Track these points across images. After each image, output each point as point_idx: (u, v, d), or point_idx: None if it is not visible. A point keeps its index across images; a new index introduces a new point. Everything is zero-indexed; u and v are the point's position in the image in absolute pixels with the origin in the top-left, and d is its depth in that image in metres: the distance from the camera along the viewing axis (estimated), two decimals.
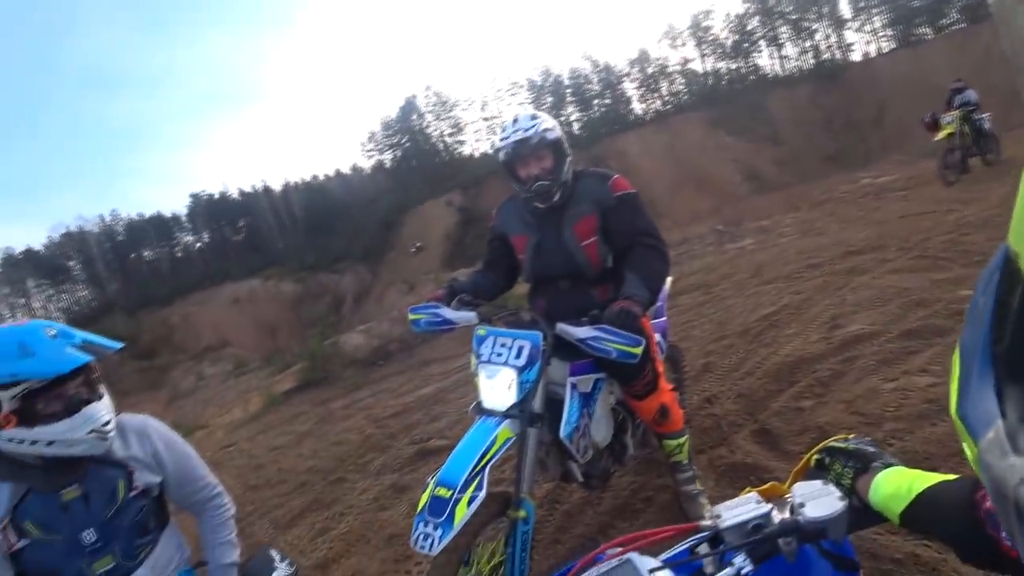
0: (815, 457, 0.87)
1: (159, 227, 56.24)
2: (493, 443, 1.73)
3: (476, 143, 53.55)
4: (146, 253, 55.64)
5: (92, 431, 1.36)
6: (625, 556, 0.75)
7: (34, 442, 1.31)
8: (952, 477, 0.68)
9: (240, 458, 5.83)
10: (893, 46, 41.04)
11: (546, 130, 2.05)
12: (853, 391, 2.91)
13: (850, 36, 45.20)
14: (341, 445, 4.96)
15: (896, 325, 3.55)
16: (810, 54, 44.26)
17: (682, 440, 2.30)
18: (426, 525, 1.56)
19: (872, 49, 43.26)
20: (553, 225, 2.13)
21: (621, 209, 2.09)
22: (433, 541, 1.53)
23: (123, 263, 52.97)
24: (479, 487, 1.62)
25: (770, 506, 0.77)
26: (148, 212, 57.64)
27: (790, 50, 45.45)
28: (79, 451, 1.36)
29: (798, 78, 39.60)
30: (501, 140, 2.08)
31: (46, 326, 1.38)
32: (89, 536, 1.37)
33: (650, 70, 48.95)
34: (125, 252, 53.99)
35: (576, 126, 47.78)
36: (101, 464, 1.43)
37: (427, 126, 53.81)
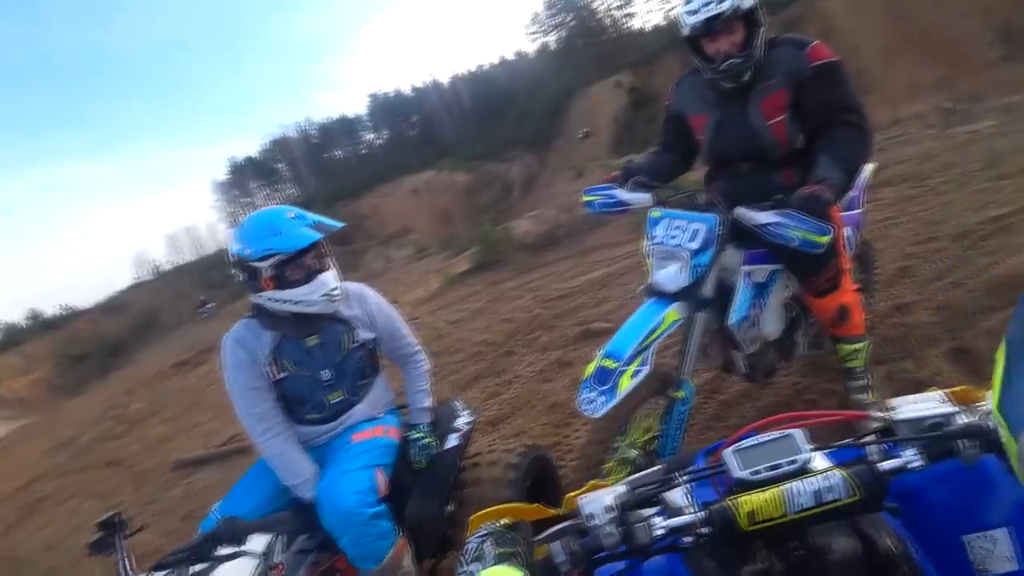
0: None
1: (345, 128, 62.10)
2: (661, 323, 1.78)
3: (647, 15, 48.68)
4: (337, 152, 62.38)
5: (324, 295, 1.72)
6: (787, 431, 0.74)
7: (285, 301, 1.70)
8: None
9: (423, 330, 6.68)
10: None
11: None
12: None
13: None
14: (511, 322, 5.43)
15: None
16: None
17: (860, 346, 2.15)
18: (591, 391, 1.70)
19: None
20: (738, 102, 1.95)
21: (818, 81, 1.83)
22: (597, 406, 1.67)
23: (319, 163, 60.27)
24: (644, 363, 1.71)
25: (957, 408, 0.70)
26: (335, 116, 63.85)
27: None
28: (315, 310, 1.73)
29: None
30: (687, 13, 1.85)
31: (287, 210, 1.73)
32: (326, 374, 1.78)
33: None
34: (319, 153, 61.22)
35: None
36: (332, 321, 1.81)
37: (593, 0, 49.87)
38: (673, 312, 1.82)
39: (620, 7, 49.30)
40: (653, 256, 1.94)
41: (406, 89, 62.17)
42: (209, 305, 28.62)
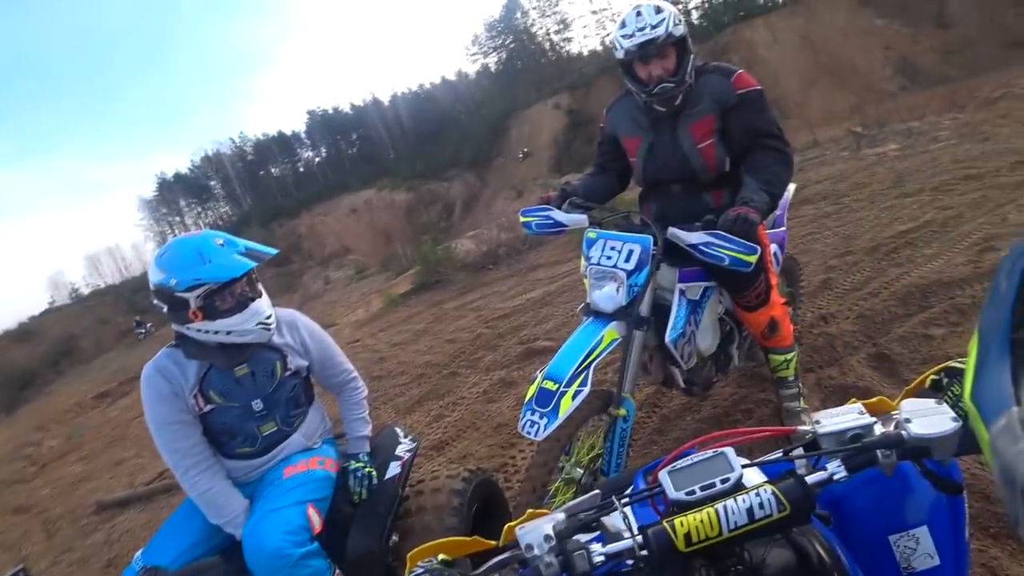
0: (932, 377, 0.81)
1: (282, 145, 60.55)
2: (599, 343, 1.80)
3: (584, 39, 50.53)
4: (273, 170, 60.58)
5: (258, 323, 1.64)
6: (720, 449, 0.76)
7: (216, 332, 1.60)
8: None
9: (364, 352, 6.52)
10: None
11: (675, 24, 1.88)
12: None
13: None
14: (454, 343, 5.37)
15: None
16: None
17: (790, 356, 2.25)
18: (533, 414, 1.70)
19: None
20: (668, 126, 2.03)
21: (743, 107, 1.94)
22: (539, 428, 1.67)
23: (254, 180, 58.30)
24: (584, 383, 1.72)
25: (874, 419, 0.74)
26: (271, 131, 62.31)
27: None
28: (249, 339, 1.65)
29: None
30: (623, 36, 1.91)
31: (215, 236, 1.64)
32: (257, 405, 1.68)
33: None
34: (255, 170, 59.29)
35: (695, 13, 42.95)
36: (262, 348, 1.72)
37: (532, 24, 51.22)
38: (611, 331, 1.84)
39: (558, 32, 50.86)
40: (590, 276, 1.96)
41: (345, 106, 61.38)
42: (148, 325, 26.83)
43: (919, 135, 8.68)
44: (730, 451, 0.76)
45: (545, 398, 1.70)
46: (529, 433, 1.68)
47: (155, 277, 1.59)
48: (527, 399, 1.75)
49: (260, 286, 1.70)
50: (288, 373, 1.75)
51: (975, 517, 1.68)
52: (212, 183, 59.42)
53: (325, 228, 38.94)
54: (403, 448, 1.97)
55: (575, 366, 1.74)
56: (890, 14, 28.01)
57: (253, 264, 1.61)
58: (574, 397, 1.69)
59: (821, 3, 30.62)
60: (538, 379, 1.77)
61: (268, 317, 1.67)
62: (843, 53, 27.69)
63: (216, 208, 60.65)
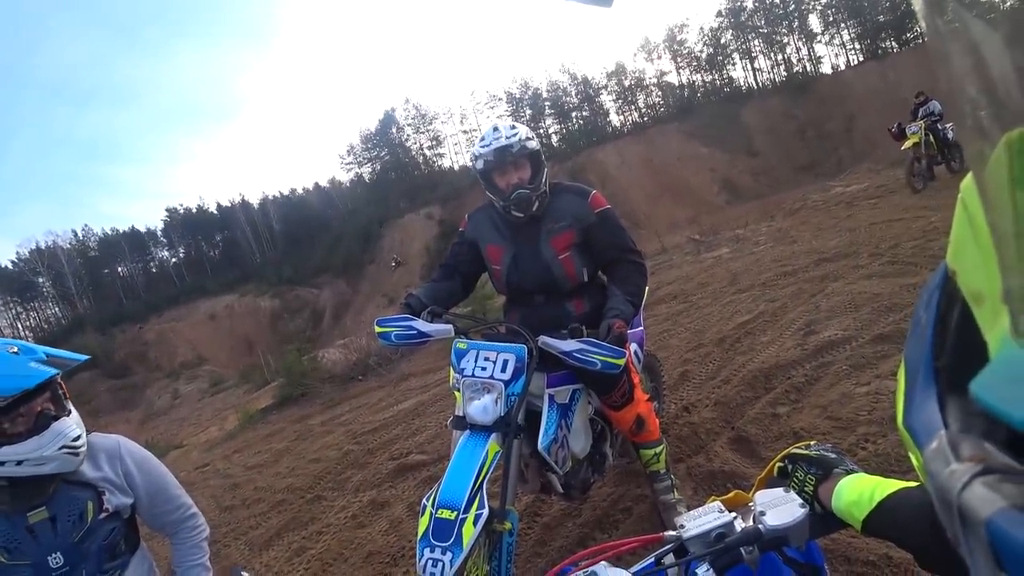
0: (778, 465, 0.87)
1: (134, 242, 55.40)
2: (486, 458, 1.72)
3: (455, 156, 54.01)
4: (120, 269, 54.66)
5: (63, 447, 1.32)
6: (591, 568, 0.75)
7: (3, 463, 1.26)
8: (914, 484, 0.68)
9: (215, 478, 5.70)
10: (861, 59, 42.40)
11: (527, 138, 2.05)
12: (827, 396, 2.95)
13: (820, 49, 46.82)
14: (319, 462, 4.88)
15: (868, 330, 3.62)
16: (782, 67, 45.53)
17: (659, 449, 2.30)
18: (433, 550, 1.52)
19: (841, 62, 44.74)
20: (530, 238, 2.13)
21: (603, 226, 2.11)
22: (444, 566, 1.49)
23: (95, 279, 51.93)
24: (481, 505, 1.60)
25: (733, 515, 0.78)
26: (123, 227, 56.76)
27: (763, 63, 46.77)
28: (50, 469, 1.31)
29: (771, 90, 40.69)
30: (481, 147, 2.05)
31: (7, 344, 1.34)
32: (55, 560, 1.32)
33: (627, 83, 49.83)
34: (98, 268, 53.00)
35: (555, 138, 48.28)
36: (70, 485, 1.39)
37: (407, 139, 54.02)
38: (494, 444, 1.77)
39: (431, 147, 54.05)
40: (464, 388, 1.90)
41: (211, 206, 58.23)
42: None
43: (744, 240, 10.11)
44: (602, 567, 0.77)
45: (444, 529, 1.54)
46: (433, 574, 1.49)
47: None
48: (421, 534, 1.57)
49: (70, 404, 1.41)
50: (103, 515, 1.41)
51: None
52: (40, 280, 51.63)
53: (177, 335, 35.22)
54: None
55: (469, 488, 1.62)
56: (712, 144, 33.77)
57: (51, 372, 1.33)
58: (475, 523, 1.56)
59: (658, 133, 36.15)
60: (429, 508, 1.61)
61: (76, 439, 1.35)
62: (678, 174, 32.50)
63: (42, 309, 52.49)
